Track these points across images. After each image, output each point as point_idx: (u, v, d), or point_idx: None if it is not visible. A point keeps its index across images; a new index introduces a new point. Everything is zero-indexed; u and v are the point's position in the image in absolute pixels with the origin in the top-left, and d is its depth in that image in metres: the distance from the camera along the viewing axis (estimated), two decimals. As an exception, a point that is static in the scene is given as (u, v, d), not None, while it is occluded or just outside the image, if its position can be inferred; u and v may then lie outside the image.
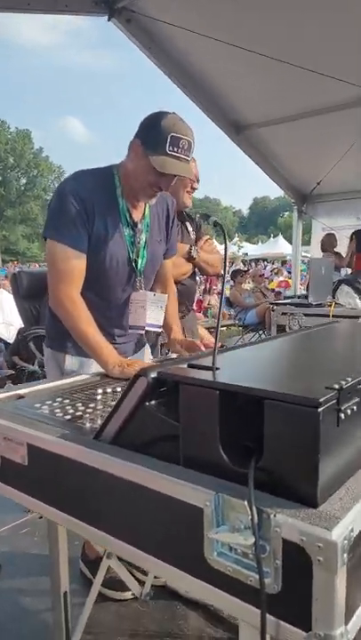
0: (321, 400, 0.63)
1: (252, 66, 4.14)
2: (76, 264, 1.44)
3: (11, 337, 6.55)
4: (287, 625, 0.62)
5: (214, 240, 2.34)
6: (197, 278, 2.38)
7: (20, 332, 4.31)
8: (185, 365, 0.85)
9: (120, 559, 1.46)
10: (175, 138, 1.37)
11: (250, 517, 0.64)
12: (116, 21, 3.96)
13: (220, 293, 1.22)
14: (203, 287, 9.20)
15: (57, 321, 1.54)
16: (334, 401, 0.66)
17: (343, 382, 0.69)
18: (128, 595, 1.68)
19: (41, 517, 2.30)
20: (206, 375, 0.77)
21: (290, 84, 4.43)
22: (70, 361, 1.56)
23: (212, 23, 3.77)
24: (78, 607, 1.44)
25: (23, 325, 3.93)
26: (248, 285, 6.78)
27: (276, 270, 15.01)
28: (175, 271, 2.09)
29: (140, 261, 1.55)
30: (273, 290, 8.57)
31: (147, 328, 1.60)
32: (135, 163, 1.45)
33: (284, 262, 19.13)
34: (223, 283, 0.98)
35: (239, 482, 0.70)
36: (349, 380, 0.70)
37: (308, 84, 4.26)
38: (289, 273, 14.17)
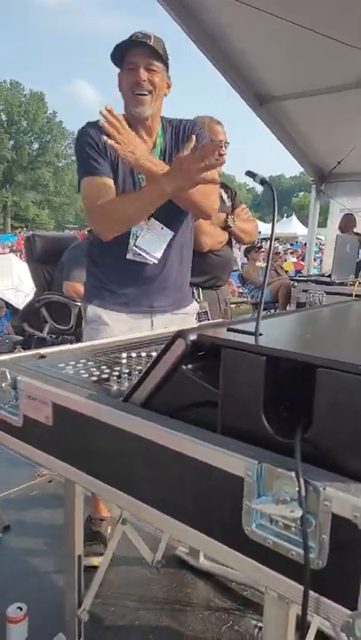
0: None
1: (282, 35, 3.95)
2: (106, 184, 1.52)
3: (19, 303, 6.53)
4: (330, 602, 0.59)
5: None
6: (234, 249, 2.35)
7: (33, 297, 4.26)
8: (224, 329, 0.80)
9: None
10: (130, 36, 1.48)
11: (297, 489, 0.60)
12: (149, -15, 3.81)
13: (268, 255, 1.15)
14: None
15: (90, 274, 1.66)
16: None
17: None
18: None
19: (50, 481, 2.31)
20: (250, 340, 0.73)
21: (318, 56, 4.25)
22: (92, 310, 1.63)
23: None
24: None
25: (35, 290, 3.88)
26: (261, 263, 6.68)
27: (291, 251, 14.78)
28: (211, 240, 2.05)
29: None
30: (287, 271, 8.45)
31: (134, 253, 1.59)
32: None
33: (294, 242, 18.90)
34: (271, 244, 0.90)
35: (281, 452, 0.67)
36: None
37: (337, 57, 4.08)
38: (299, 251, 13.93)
